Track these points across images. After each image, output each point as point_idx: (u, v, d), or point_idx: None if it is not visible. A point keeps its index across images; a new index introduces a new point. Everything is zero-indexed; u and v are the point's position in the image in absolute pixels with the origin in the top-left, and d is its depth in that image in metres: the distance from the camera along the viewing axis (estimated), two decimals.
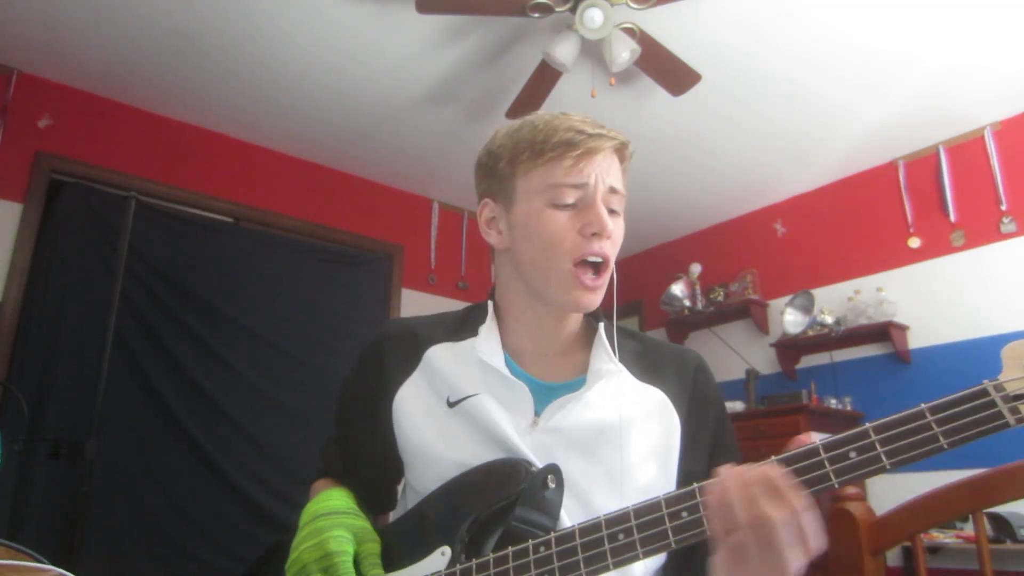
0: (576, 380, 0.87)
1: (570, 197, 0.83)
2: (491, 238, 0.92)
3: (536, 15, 2.52)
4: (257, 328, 3.51)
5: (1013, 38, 2.82)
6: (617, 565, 0.65)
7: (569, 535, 0.68)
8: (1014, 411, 0.56)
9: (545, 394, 0.85)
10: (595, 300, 0.85)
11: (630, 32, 2.59)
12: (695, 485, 0.65)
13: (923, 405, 0.60)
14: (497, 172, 0.89)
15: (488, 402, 0.83)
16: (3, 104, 3.08)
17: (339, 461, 0.98)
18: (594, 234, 0.83)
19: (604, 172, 0.84)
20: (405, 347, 0.92)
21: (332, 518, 0.81)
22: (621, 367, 0.87)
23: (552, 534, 0.70)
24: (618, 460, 0.81)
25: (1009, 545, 2.76)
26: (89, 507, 2.10)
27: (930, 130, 3.51)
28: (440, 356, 0.90)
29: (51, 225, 3.11)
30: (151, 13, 2.76)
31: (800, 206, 4.22)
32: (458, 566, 0.74)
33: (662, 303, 4.45)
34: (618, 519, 0.66)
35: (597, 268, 0.84)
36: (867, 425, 0.63)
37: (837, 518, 1.28)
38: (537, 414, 0.84)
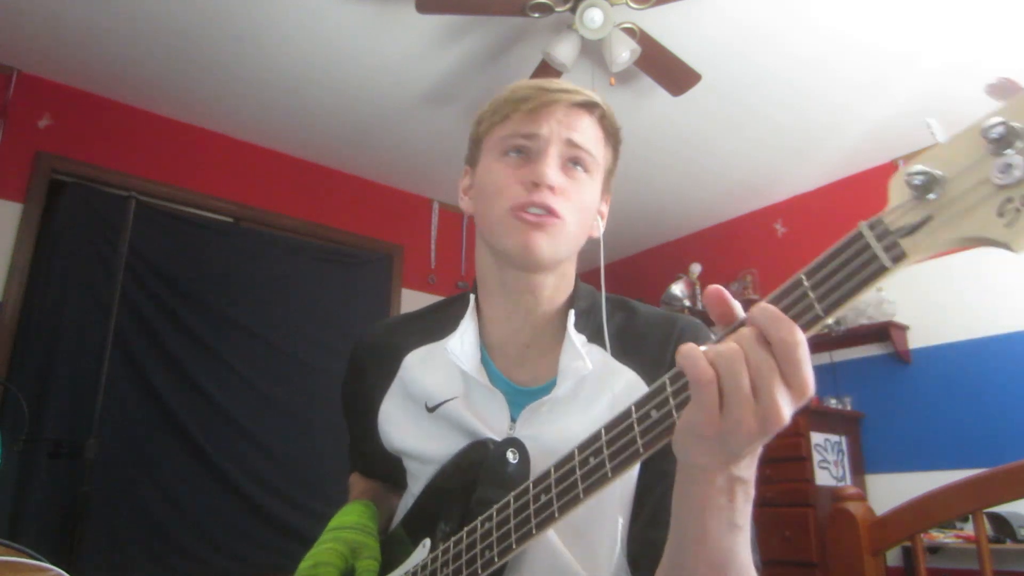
0: (551, 382, 0.82)
1: (519, 144, 0.80)
2: (463, 204, 0.90)
3: (536, 15, 2.52)
4: (257, 328, 3.51)
5: (1013, 37, 2.82)
6: (540, 527, 0.62)
7: (504, 505, 0.67)
8: (891, 247, 0.46)
9: (521, 398, 0.83)
10: (541, 242, 0.77)
11: (630, 32, 2.59)
12: (601, 428, 0.59)
13: (801, 272, 0.51)
14: (473, 138, 0.88)
15: (464, 408, 0.82)
16: (3, 104, 3.08)
17: (358, 459, 1.03)
18: (535, 184, 0.78)
19: (563, 126, 0.80)
20: (383, 357, 0.92)
21: (336, 532, 0.85)
22: (592, 354, 0.81)
23: (494, 507, 0.68)
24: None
25: (1009, 545, 2.76)
26: (89, 507, 2.10)
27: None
28: (416, 363, 0.88)
29: (51, 225, 3.11)
30: (151, 13, 2.76)
31: (800, 206, 4.22)
32: (430, 555, 0.75)
33: (662, 303, 4.45)
34: (541, 478, 0.64)
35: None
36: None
37: (837, 518, 1.28)
38: (513, 419, 0.82)
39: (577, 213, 0.81)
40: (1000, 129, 0.43)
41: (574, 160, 0.81)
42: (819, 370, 3.84)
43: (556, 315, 0.86)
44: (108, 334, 2.30)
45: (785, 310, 0.50)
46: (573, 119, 0.81)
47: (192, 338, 3.31)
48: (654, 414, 0.55)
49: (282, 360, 3.55)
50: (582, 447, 0.60)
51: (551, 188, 0.78)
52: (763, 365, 0.48)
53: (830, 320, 0.49)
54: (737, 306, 0.55)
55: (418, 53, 3.00)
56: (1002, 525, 2.78)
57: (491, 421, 0.82)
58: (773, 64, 3.00)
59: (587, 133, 0.82)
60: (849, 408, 3.61)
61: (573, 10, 2.50)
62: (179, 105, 3.46)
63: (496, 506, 0.68)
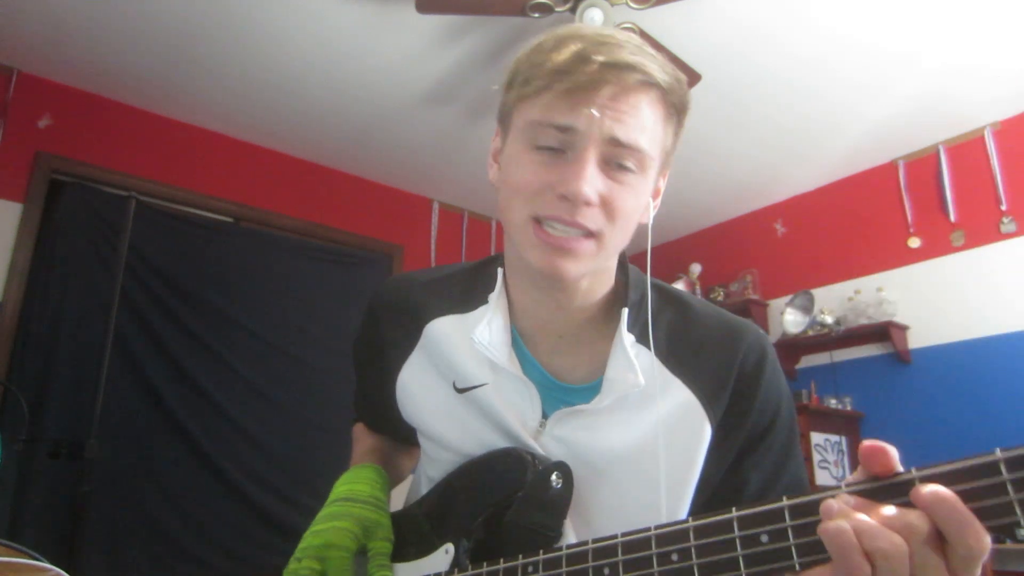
0: (594, 383, 0.73)
1: (552, 139, 0.65)
2: (491, 171, 0.76)
3: (536, 15, 2.52)
4: (257, 328, 3.51)
5: (1013, 38, 2.82)
6: None
7: (556, 560, 0.62)
8: None
9: (557, 393, 0.75)
10: (568, 266, 0.66)
11: (630, 32, 2.59)
12: (689, 521, 0.53)
13: (1001, 452, 0.42)
14: (504, 98, 0.73)
15: (496, 396, 0.74)
16: (3, 104, 3.08)
17: (365, 412, 0.96)
18: (564, 197, 0.64)
19: (611, 116, 0.63)
20: (402, 318, 0.82)
21: (349, 505, 0.77)
22: (643, 359, 0.71)
23: (541, 555, 0.64)
24: (633, 484, 0.71)
25: (1009, 545, 2.76)
26: (89, 507, 2.09)
27: (930, 130, 3.51)
28: (444, 333, 0.78)
29: (51, 225, 3.11)
30: (151, 13, 2.76)
31: (800, 206, 4.22)
32: (456, 571, 0.72)
33: None
34: (606, 551, 0.58)
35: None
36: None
37: None
38: (546, 416, 0.74)
39: (617, 227, 0.67)
40: None
41: (620, 161, 0.65)
42: (819, 370, 3.85)
43: (595, 307, 0.76)
44: (108, 334, 2.29)
45: (969, 499, 0.41)
46: (623, 106, 0.64)
47: (192, 338, 3.31)
48: (765, 539, 0.49)
49: (282, 360, 3.55)
50: (662, 540, 0.54)
51: (587, 203, 0.64)
52: (931, 571, 0.41)
53: None
54: (898, 464, 0.46)
55: (418, 53, 3.00)
56: None
57: (521, 415, 0.74)
58: (773, 64, 3.00)
59: (641, 124, 0.65)
60: (849, 408, 3.61)
61: (573, 10, 2.50)
62: (179, 105, 3.46)
63: (543, 557, 0.63)
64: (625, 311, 0.73)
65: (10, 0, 2.70)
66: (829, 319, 3.73)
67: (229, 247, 3.57)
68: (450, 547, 0.73)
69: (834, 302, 3.83)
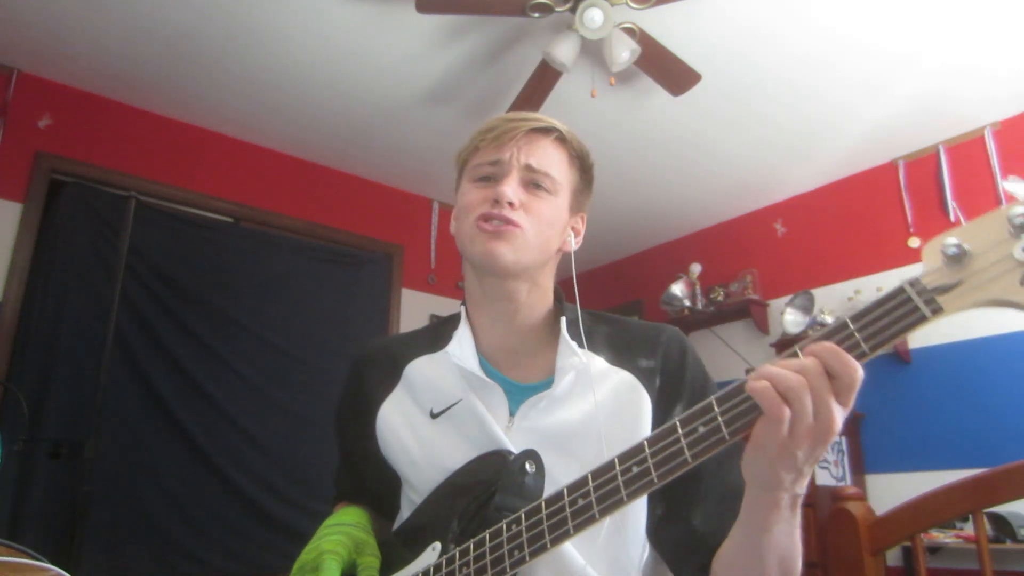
0: (547, 380, 0.88)
1: (485, 172, 0.90)
2: (452, 226, 0.97)
3: (536, 15, 2.52)
4: (257, 328, 3.51)
5: (1013, 38, 2.82)
6: (577, 528, 0.67)
7: (536, 508, 0.71)
8: (929, 302, 0.59)
9: (519, 394, 0.88)
10: (501, 248, 0.86)
11: (630, 32, 2.59)
12: (644, 440, 0.66)
13: (846, 316, 0.61)
14: (456, 169, 0.98)
15: (473, 404, 0.87)
16: (3, 104, 3.08)
17: (347, 483, 1.06)
18: (495, 200, 0.87)
19: (524, 152, 0.89)
20: (383, 366, 0.97)
21: (337, 527, 0.87)
22: (586, 357, 0.88)
23: (522, 511, 0.72)
24: (592, 453, 0.81)
25: (1009, 545, 2.76)
26: (89, 507, 2.09)
27: (930, 130, 3.51)
28: (420, 370, 0.94)
29: (51, 225, 3.11)
30: (151, 13, 2.76)
31: (800, 206, 4.22)
32: (444, 558, 0.77)
33: (662, 303, 4.45)
34: (578, 484, 0.69)
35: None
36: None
37: (837, 518, 1.28)
38: (512, 414, 0.87)
39: (537, 225, 0.88)
40: (1022, 219, 0.56)
41: (535, 182, 0.89)
42: None
43: (540, 323, 0.93)
44: (108, 334, 2.29)
45: (838, 345, 0.60)
46: (532, 145, 0.90)
47: (192, 338, 3.31)
48: (701, 429, 0.63)
49: (282, 360, 3.55)
50: (623, 458, 0.67)
51: (510, 204, 0.86)
52: (824, 392, 0.59)
53: (871, 356, 0.60)
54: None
55: (418, 53, 3.00)
56: (1002, 525, 2.78)
57: (493, 415, 0.86)
58: (773, 64, 3.00)
59: (546, 156, 0.91)
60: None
61: (573, 10, 2.50)
62: (179, 105, 3.46)
63: (524, 510, 0.72)
64: (563, 319, 0.92)
65: (10, 0, 2.71)
66: (829, 319, 3.73)
67: (229, 247, 3.57)
68: (437, 544, 0.80)
69: (834, 302, 3.83)
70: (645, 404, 0.86)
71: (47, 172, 3.17)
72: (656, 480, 0.64)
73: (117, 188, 3.17)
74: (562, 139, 0.93)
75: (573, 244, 0.96)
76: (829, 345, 0.60)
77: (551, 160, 0.91)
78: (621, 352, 0.91)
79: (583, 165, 0.96)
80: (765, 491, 0.66)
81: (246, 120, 3.58)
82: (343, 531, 0.85)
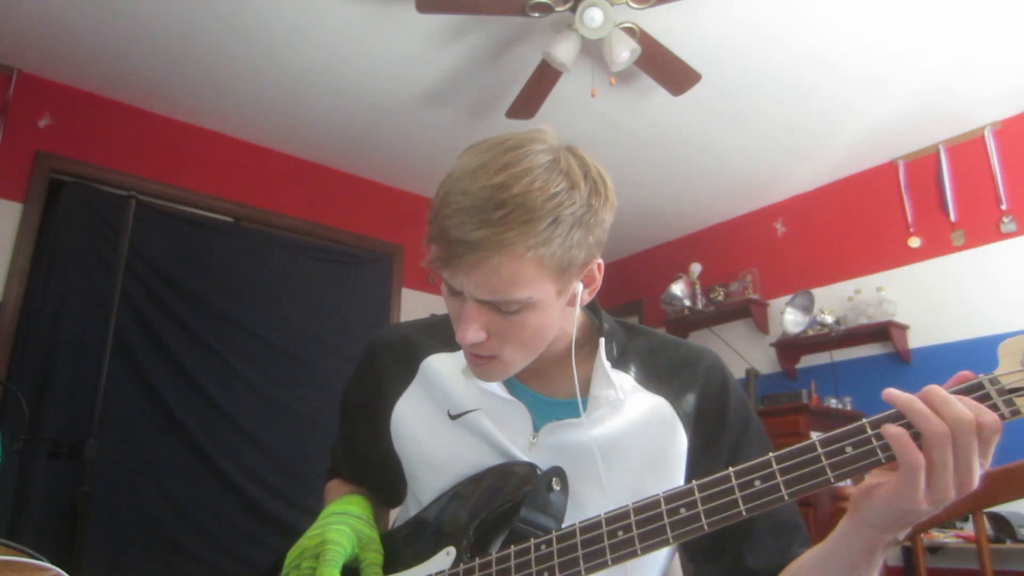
0: (575, 400, 0.82)
1: (451, 291, 0.74)
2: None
3: (536, 15, 2.52)
4: (257, 328, 3.51)
5: (1013, 38, 2.82)
6: (616, 561, 0.66)
7: (570, 533, 0.69)
8: (1008, 403, 0.59)
9: (544, 409, 0.84)
10: (490, 376, 0.80)
11: (630, 32, 2.59)
12: (694, 483, 0.65)
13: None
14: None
15: (486, 420, 0.82)
16: (3, 104, 3.08)
17: (347, 463, 1.00)
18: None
19: (475, 282, 0.69)
20: (400, 356, 0.92)
21: (343, 517, 0.82)
22: (618, 378, 0.83)
23: (554, 533, 0.70)
24: (617, 480, 0.80)
25: (1009, 545, 2.76)
26: (89, 507, 2.09)
27: (930, 130, 3.51)
28: (438, 368, 0.88)
29: (51, 225, 3.10)
30: (151, 13, 2.76)
31: (800, 206, 4.22)
32: (462, 565, 0.74)
33: (662, 303, 4.45)
34: (618, 516, 0.67)
35: None
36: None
37: (837, 518, 1.28)
38: (536, 429, 0.82)
39: (519, 341, 0.75)
40: None
41: (499, 308, 0.72)
42: (819, 370, 3.85)
43: (565, 345, 0.84)
44: (108, 334, 2.29)
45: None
46: (481, 273, 0.69)
47: (192, 338, 3.31)
48: (759, 484, 0.63)
49: (282, 360, 3.55)
50: (670, 498, 0.65)
51: (472, 346, 0.74)
52: (970, 448, 0.57)
53: None
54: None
55: (418, 53, 3.00)
56: (1002, 525, 2.78)
57: (514, 433, 0.82)
58: (773, 64, 3.00)
59: (502, 282, 0.69)
60: (849, 408, 3.61)
61: (573, 10, 2.50)
62: (179, 105, 3.46)
63: (556, 533, 0.70)
64: (602, 340, 0.85)
65: (10, 0, 2.70)
66: (829, 319, 3.73)
67: (229, 247, 3.57)
68: (451, 549, 0.77)
69: (834, 302, 3.83)
70: (680, 438, 0.82)
71: (47, 172, 3.16)
72: (706, 527, 0.63)
73: (117, 188, 3.17)
74: (525, 247, 0.67)
75: (583, 297, 0.79)
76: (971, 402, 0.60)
77: (509, 282, 0.69)
78: (658, 374, 0.86)
79: (567, 258, 0.71)
80: (866, 535, 0.64)
81: (246, 120, 3.58)
82: (348, 522, 0.81)
